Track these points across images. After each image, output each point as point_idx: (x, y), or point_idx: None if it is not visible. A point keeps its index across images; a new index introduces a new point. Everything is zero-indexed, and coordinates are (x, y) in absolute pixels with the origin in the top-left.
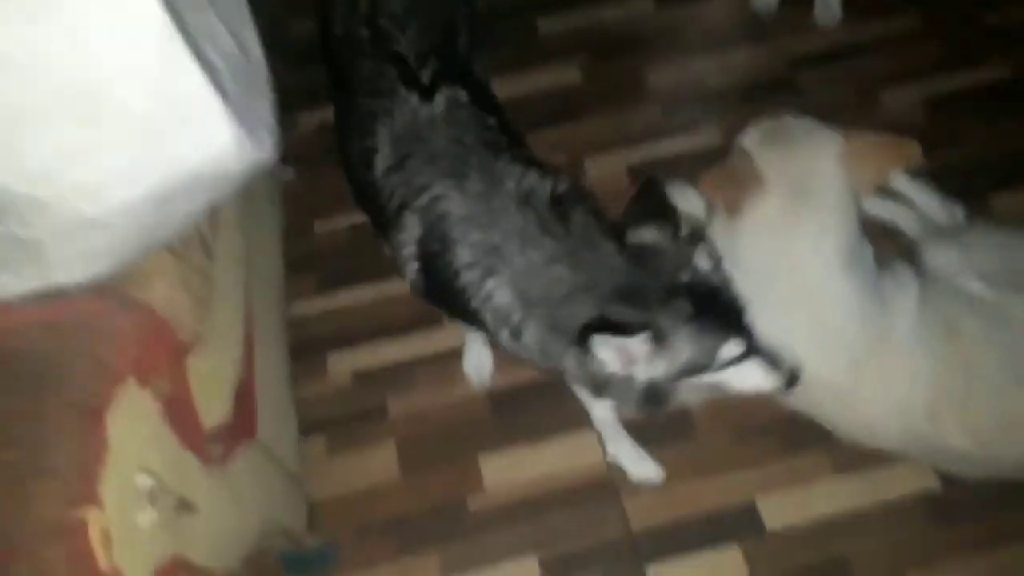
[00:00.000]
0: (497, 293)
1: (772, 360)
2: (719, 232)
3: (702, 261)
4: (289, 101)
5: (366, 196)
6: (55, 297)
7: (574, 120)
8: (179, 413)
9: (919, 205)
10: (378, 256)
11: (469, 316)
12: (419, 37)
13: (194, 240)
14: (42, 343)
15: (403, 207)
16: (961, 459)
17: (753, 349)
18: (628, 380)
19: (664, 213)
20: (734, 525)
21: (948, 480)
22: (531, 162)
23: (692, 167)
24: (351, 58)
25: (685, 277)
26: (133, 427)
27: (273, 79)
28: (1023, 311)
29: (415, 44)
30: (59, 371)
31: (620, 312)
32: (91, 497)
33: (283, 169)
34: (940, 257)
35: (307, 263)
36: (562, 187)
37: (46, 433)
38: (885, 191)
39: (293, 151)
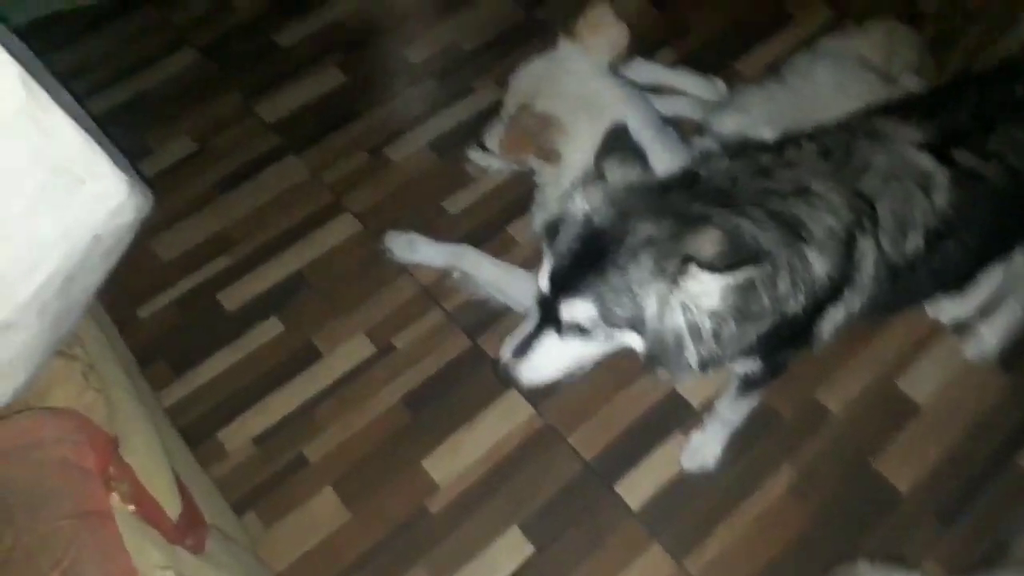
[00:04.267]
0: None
1: None
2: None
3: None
4: None
5: None
6: None
7: (356, 117)
8: (148, 511)
9: (689, 91)
10: (222, 318)
11: None
12: None
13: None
14: (11, 470)
15: None
16: None
17: None
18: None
19: (634, 151)
20: (668, 417)
21: None
22: None
23: (487, 124)
24: None
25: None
26: (126, 528)
27: None
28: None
29: None
30: (40, 491)
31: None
32: None
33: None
34: (728, 124)
35: (150, 353)
36: None
37: (69, 552)
38: (657, 88)
39: None
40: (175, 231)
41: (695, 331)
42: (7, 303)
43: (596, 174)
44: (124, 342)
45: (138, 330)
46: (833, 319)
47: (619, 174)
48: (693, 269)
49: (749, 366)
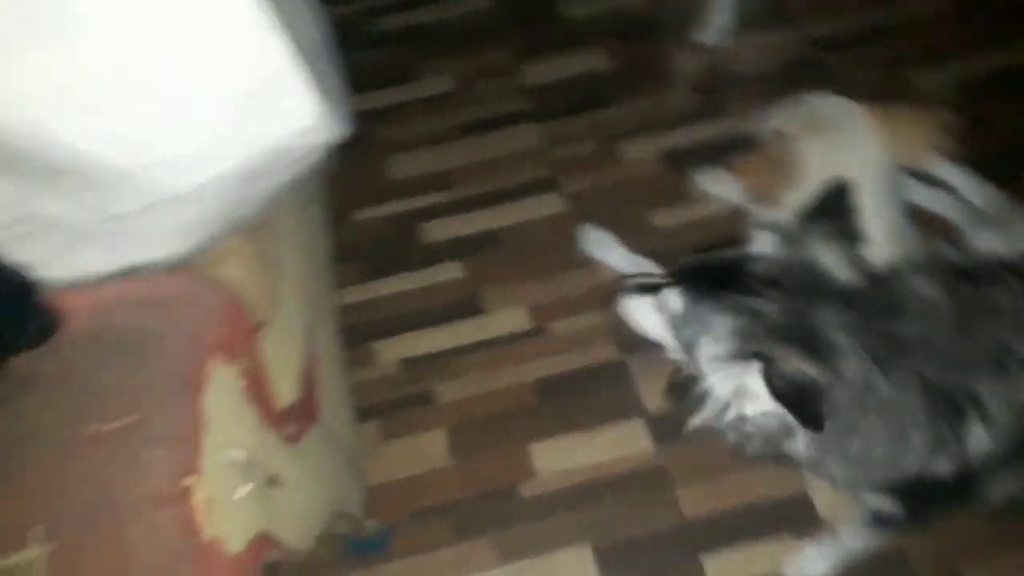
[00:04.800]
0: None
1: None
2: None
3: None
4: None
5: None
6: (140, 274)
7: (604, 105)
8: (257, 391)
9: (959, 191)
10: (417, 245)
11: None
12: None
13: (262, 221)
14: (140, 318)
15: None
16: None
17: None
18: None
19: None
20: (788, 514)
21: None
22: None
23: (726, 152)
24: None
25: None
26: (223, 401)
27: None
28: None
29: None
30: (157, 344)
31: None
32: (195, 467)
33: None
34: (985, 242)
35: (350, 252)
36: None
37: (152, 403)
38: (925, 177)
39: None
40: (410, 156)
41: (719, 407)
42: (188, 179)
43: (797, 228)
44: (332, 236)
45: (348, 230)
46: (1005, 486)
47: (816, 247)
48: (754, 368)
49: (881, 503)
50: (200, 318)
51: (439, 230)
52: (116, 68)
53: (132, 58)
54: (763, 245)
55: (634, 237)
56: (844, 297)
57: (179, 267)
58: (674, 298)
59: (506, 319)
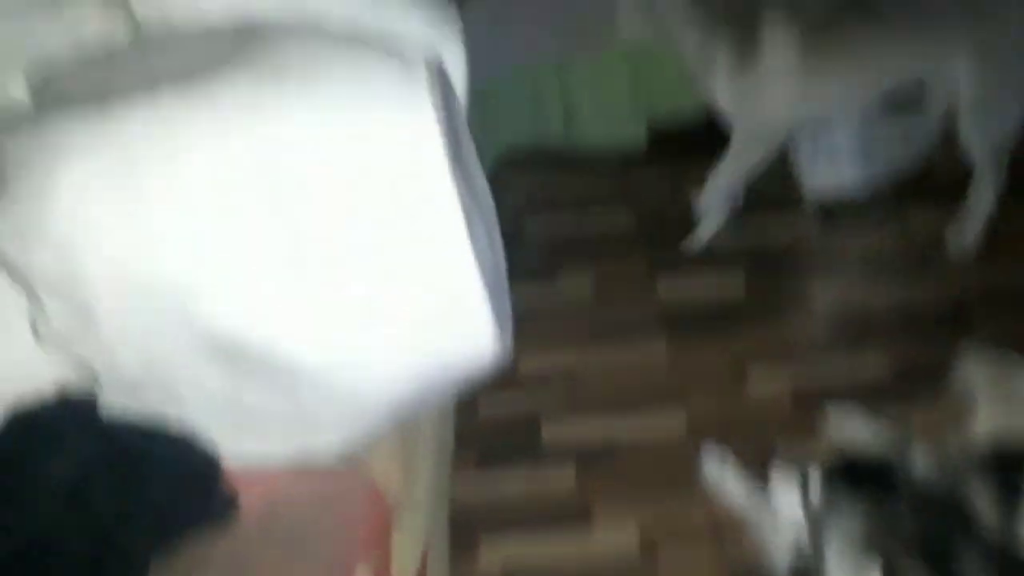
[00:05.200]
0: None
1: None
2: None
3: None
4: None
5: None
6: (306, 464)
7: (737, 329)
8: None
9: None
10: (534, 443)
11: None
12: None
13: None
14: (302, 511)
15: None
16: None
17: None
18: None
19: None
20: None
21: None
22: None
23: (856, 393)
24: None
25: None
26: None
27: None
28: None
29: None
30: (315, 540)
31: None
32: None
33: None
34: None
35: (466, 438)
36: None
37: None
38: None
39: None
40: (541, 353)
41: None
42: (368, 383)
43: (962, 464)
44: (453, 422)
45: (469, 418)
46: None
47: (975, 490)
48: (876, 569)
49: None
50: (351, 518)
51: (558, 431)
52: (337, 290)
53: (353, 282)
54: (919, 465)
55: (757, 467)
56: (985, 545)
57: (340, 459)
58: (817, 484)
59: (614, 537)
